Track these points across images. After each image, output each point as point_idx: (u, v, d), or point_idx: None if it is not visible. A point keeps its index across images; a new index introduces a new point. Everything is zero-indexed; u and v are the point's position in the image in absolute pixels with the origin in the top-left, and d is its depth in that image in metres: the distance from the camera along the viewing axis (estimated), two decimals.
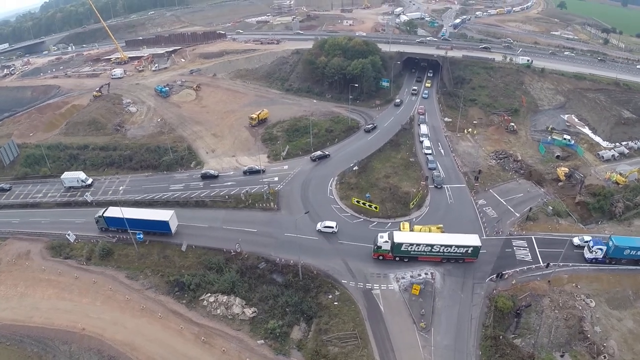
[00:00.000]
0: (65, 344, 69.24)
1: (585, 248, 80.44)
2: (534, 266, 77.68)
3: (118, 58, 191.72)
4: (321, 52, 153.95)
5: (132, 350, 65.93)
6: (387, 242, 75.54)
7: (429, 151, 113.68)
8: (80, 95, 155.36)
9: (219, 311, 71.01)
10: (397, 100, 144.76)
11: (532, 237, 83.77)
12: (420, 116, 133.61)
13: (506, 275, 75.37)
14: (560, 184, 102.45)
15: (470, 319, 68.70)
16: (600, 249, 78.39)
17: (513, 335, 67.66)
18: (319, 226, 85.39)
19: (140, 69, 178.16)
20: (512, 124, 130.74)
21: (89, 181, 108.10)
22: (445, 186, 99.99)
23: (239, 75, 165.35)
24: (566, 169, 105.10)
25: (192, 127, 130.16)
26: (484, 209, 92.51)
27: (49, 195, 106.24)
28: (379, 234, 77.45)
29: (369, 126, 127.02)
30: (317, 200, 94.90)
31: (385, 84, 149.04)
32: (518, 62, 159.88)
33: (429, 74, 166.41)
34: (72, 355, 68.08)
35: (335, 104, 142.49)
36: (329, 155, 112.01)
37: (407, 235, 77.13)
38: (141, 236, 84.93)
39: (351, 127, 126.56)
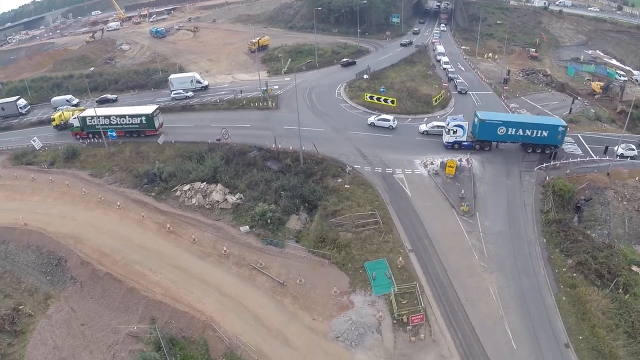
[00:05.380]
0: (2, 244, 50.20)
1: (443, 131, 58.16)
2: (587, 158, 57.52)
3: (115, 17, 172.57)
4: None
5: (76, 243, 46.31)
6: (76, 118, 69.17)
7: (448, 66, 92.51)
8: (74, 45, 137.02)
9: (194, 200, 50.68)
10: (405, 40, 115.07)
11: (579, 135, 63.82)
12: (436, 43, 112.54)
13: (558, 164, 55.37)
14: (596, 96, 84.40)
15: (524, 205, 48.63)
16: (461, 127, 55.79)
17: None
18: None
19: (137, 22, 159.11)
20: (534, 49, 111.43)
21: (206, 82, 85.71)
22: (470, 93, 79.84)
23: (239, 20, 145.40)
24: (601, 83, 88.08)
25: (186, 56, 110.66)
26: (518, 110, 72.46)
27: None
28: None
29: (346, 59, 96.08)
30: (323, 101, 74.90)
31: (395, 20, 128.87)
32: (534, 4, 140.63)
33: (442, 28, 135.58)
34: (8, 255, 49.22)
35: (342, 37, 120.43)
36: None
37: (92, 111, 69.47)
38: (114, 134, 65.65)
39: (360, 51, 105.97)
